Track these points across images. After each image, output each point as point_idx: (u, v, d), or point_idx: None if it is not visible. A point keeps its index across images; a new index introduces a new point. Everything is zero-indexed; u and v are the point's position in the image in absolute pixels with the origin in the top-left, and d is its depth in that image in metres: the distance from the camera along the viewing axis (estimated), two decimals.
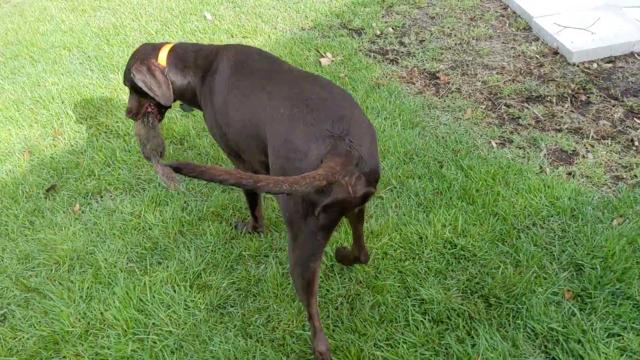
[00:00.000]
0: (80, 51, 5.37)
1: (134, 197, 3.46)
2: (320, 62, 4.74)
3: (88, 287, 2.84)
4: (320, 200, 1.90)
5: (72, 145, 3.97)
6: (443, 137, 3.76)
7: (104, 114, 4.27)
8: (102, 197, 3.49)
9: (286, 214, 2.10)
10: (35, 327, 2.67)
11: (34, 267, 3.03)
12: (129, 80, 2.88)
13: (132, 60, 2.87)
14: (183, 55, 2.84)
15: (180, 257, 2.98)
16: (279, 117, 2.09)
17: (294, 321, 2.60)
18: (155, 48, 2.89)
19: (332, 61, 4.79)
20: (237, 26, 5.50)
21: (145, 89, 2.80)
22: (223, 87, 2.53)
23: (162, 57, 2.85)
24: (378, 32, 5.29)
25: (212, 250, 3.01)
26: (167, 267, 2.93)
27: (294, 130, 1.99)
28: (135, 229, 3.22)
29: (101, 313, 2.70)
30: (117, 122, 4.14)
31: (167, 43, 2.93)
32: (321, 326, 2.37)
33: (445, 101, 4.20)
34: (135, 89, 2.90)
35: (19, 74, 5.11)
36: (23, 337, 2.64)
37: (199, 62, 2.77)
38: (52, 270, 3.00)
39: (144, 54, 2.86)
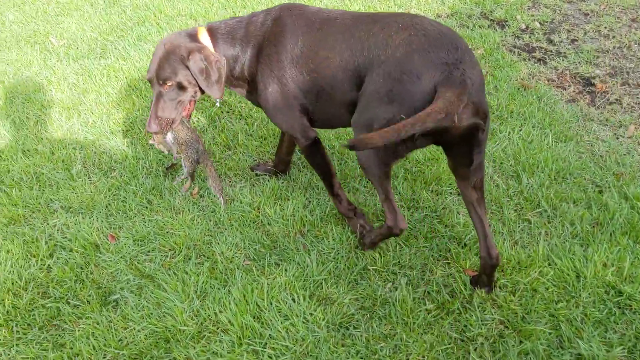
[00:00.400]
0: (206, 21, 5.24)
1: (254, 186, 3.25)
2: None
3: (203, 283, 2.67)
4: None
5: (194, 123, 3.83)
6: (602, 157, 3.27)
7: (227, 92, 4.10)
8: (221, 182, 3.32)
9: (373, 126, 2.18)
10: (147, 319, 2.52)
11: (149, 251, 2.90)
12: (170, 74, 2.59)
13: (170, 50, 2.58)
14: (230, 31, 2.64)
15: (300, 261, 2.74)
16: (393, 44, 2.16)
17: (426, 357, 2.29)
18: (190, 34, 2.65)
19: None
20: (368, 8, 5.16)
21: (202, 81, 2.56)
22: (299, 38, 2.53)
23: (206, 41, 2.62)
24: (523, 26, 4.77)
25: (334, 258, 2.75)
26: (286, 270, 2.70)
27: (410, 55, 2.08)
28: (253, 223, 3.01)
29: (215, 314, 2.51)
30: (240, 102, 3.95)
31: (197, 27, 2.70)
32: None
33: (602, 113, 3.67)
34: (180, 85, 2.65)
35: (145, 40, 5.06)
36: (134, 329, 2.50)
37: (252, 33, 2.62)
38: (167, 257, 2.86)
39: (183, 41, 2.60)
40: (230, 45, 2.67)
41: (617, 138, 3.45)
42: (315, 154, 2.79)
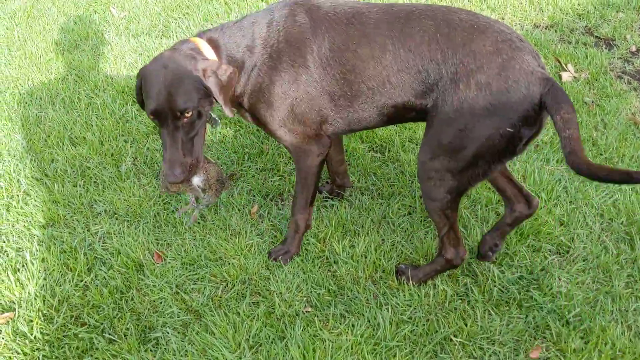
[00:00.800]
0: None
1: (319, 211, 2.85)
2: (560, 75, 3.80)
3: (257, 330, 2.30)
4: (526, 135, 1.96)
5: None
6: None
7: None
8: (283, 201, 2.94)
9: (470, 150, 2.00)
10: None
11: (198, 279, 2.55)
12: (188, 102, 2.08)
13: (180, 73, 2.08)
14: (234, 40, 2.26)
15: (371, 317, 2.35)
16: (481, 50, 1.97)
17: None
18: (192, 50, 2.19)
19: (574, 78, 3.82)
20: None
21: (222, 100, 2.14)
22: (325, 36, 2.20)
23: (210, 54, 2.22)
24: (634, 48, 4.20)
25: (410, 319, 2.35)
26: (353, 326, 2.31)
27: (510, 63, 1.93)
28: (318, 259, 2.62)
29: None
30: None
31: (189, 39, 2.26)
32: None
33: None
34: (199, 113, 2.17)
35: (212, 20, 4.67)
36: None
37: (262, 37, 2.25)
38: (218, 289, 2.50)
39: (189, 59, 2.13)
40: (238, 55, 2.26)
41: None
42: (322, 167, 2.46)
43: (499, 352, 2.23)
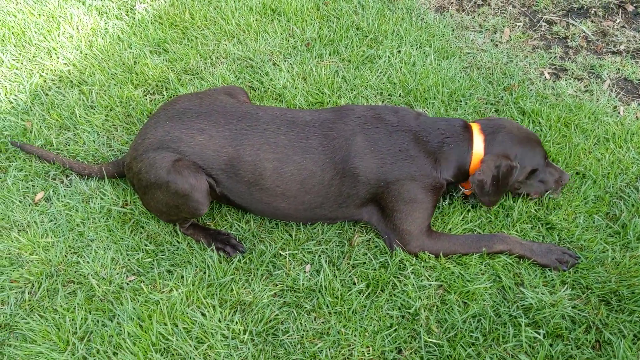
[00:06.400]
0: None
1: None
2: None
3: (83, 319, 2.11)
4: None
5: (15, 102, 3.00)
6: (488, 69, 3.09)
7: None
8: (69, 178, 2.65)
9: None
10: None
11: None
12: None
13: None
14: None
15: (197, 262, 2.28)
16: None
17: (372, 347, 2.01)
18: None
19: None
20: None
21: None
22: None
23: (479, 145, 2.28)
24: None
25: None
26: (182, 277, 2.23)
27: None
28: (125, 223, 2.44)
29: (108, 358, 2.00)
30: (67, 65, 3.17)
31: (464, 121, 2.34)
32: None
33: (475, 19, 3.47)
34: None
35: None
36: None
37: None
38: (24, 293, 2.23)
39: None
40: None
41: (496, 45, 3.29)
42: None
43: (327, 249, 2.32)
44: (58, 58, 3.20)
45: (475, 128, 2.25)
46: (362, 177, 2.18)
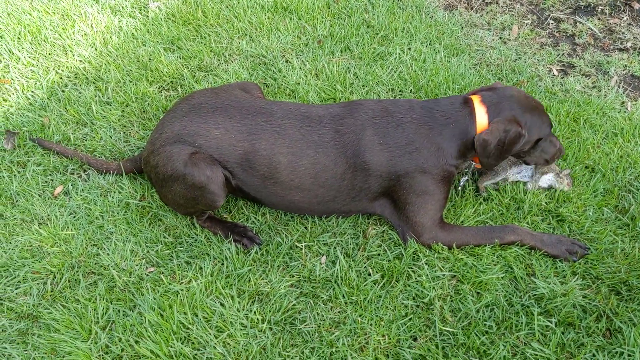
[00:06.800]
0: None
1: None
2: None
3: (104, 309, 2.17)
4: None
5: (30, 97, 3.06)
6: (497, 65, 3.13)
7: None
8: (87, 172, 2.70)
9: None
10: None
11: (19, 283, 2.29)
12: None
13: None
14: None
15: (215, 253, 2.33)
16: None
17: (387, 336, 2.06)
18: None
19: None
20: None
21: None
22: None
23: (482, 116, 2.26)
24: None
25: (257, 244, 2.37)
26: (201, 269, 2.28)
27: None
28: (143, 217, 2.50)
29: (131, 346, 2.05)
30: (82, 62, 3.22)
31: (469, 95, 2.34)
32: None
33: (483, 17, 3.52)
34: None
35: None
36: None
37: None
38: (47, 285, 2.28)
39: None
40: None
41: (504, 42, 3.33)
42: None
43: (342, 241, 2.37)
44: (73, 55, 3.25)
45: (476, 100, 2.25)
46: (373, 171, 2.23)
